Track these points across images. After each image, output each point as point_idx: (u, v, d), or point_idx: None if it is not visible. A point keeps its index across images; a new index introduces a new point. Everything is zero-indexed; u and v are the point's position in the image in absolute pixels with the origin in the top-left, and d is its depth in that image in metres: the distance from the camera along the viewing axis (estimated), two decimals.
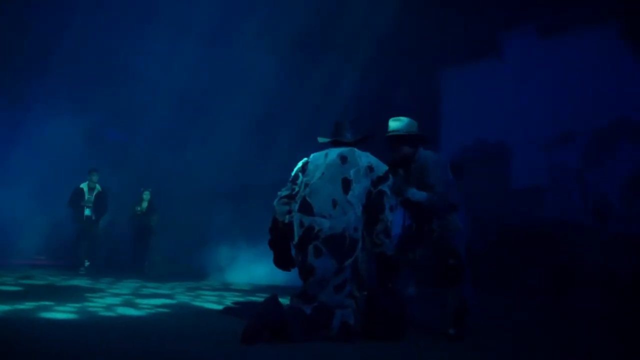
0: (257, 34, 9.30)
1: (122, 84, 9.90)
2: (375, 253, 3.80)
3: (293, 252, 3.90)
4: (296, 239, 3.75)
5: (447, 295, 4.04)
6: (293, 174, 4.08)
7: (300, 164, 4.10)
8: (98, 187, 9.89)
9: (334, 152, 3.99)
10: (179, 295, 6.21)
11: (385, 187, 3.86)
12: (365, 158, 3.94)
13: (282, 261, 4.05)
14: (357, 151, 3.99)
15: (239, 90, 9.43)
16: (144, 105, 9.96)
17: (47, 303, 4.48)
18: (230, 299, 6.05)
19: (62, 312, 4.06)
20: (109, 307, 4.61)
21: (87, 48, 9.82)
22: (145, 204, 10.66)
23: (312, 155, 4.09)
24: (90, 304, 4.71)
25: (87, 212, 9.76)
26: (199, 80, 9.54)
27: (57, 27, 9.67)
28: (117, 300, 5.14)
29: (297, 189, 3.96)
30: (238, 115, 9.33)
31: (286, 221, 3.85)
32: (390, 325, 3.65)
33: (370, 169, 3.88)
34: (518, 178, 8.23)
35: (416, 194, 3.97)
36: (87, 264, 9.53)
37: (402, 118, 4.25)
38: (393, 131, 4.19)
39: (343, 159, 3.91)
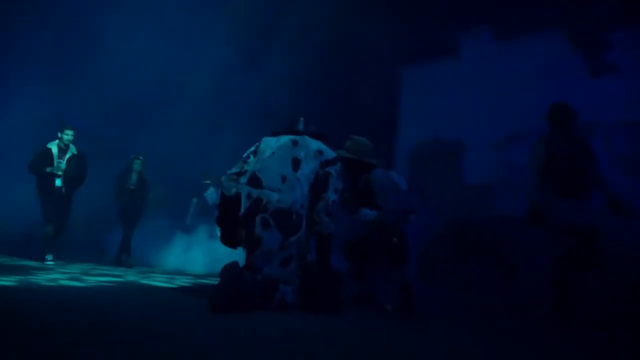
0: (209, 23, 9.17)
1: (78, 71, 9.46)
2: (314, 230, 3.93)
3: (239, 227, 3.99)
4: (243, 210, 3.85)
5: (391, 275, 4.24)
6: (245, 154, 4.20)
7: (253, 147, 4.22)
8: (72, 148, 7.45)
9: (286, 137, 4.16)
10: (129, 276, 6.19)
11: (332, 170, 4.07)
12: (315, 143, 4.14)
13: (228, 238, 4.14)
14: (308, 138, 4.16)
15: (189, 81, 9.24)
16: (91, 93, 9.43)
17: None
18: (181, 281, 6.07)
19: (2, 279, 4.04)
20: (53, 280, 4.60)
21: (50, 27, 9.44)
22: (135, 177, 8.40)
23: (264, 138, 4.22)
24: (34, 277, 4.68)
25: (57, 182, 7.26)
26: (148, 72, 9.19)
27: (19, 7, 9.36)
28: (63, 276, 5.11)
29: (246, 167, 4.08)
30: (187, 106, 9.15)
31: (232, 194, 3.95)
32: (328, 298, 3.77)
33: (320, 152, 4.09)
34: (470, 175, 8.51)
35: (367, 215, 4.17)
36: (49, 258, 7.12)
37: (356, 138, 4.44)
38: (342, 150, 4.37)
39: (294, 142, 4.09)
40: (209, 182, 8.78)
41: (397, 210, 4.14)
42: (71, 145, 7.45)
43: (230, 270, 3.47)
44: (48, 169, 7.22)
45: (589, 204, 4.38)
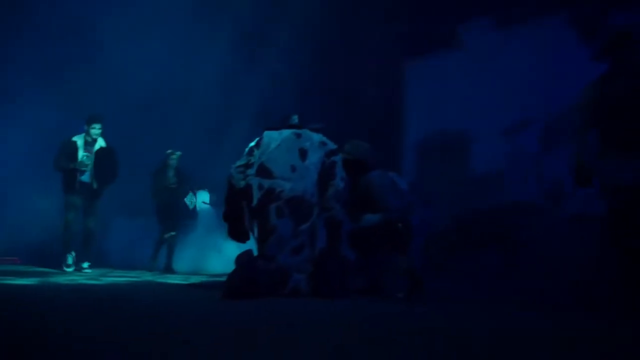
0: (209, 25, 9.11)
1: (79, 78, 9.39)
2: (325, 217, 4.00)
3: (247, 219, 4.05)
4: (255, 201, 3.90)
5: (398, 263, 4.27)
6: (247, 149, 4.27)
7: (254, 141, 4.29)
8: (101, 141, 6.73)
9: (288, 131, 4.24)
10: (145, 277, 6.30)
11: (337, 159, 4.17)
12: (316, 135, 4.25)
13: (236, 232, 4.20)
14: (308, 131, 4.25)
15: (189, 84, 9.15)
16: (92, 98, 9.16)
17: (10, 277, 4.56)
18: (195, 279, 6.17)
19: (24, 280, 4.16)
20: (71, 280, 4.72)
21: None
22: (172, 173, 7.77)
23: (265, 132, 4.28)
24: (53, 278, 4.81)
25: (83, 177, 6.50)
26: (148, 76, 9.05)
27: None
28: (80, 278, 5.24)
29: (252, 159, 4.15)
30: (187, 109, 9.08)
31: (242, 186, 4.01)
32: (334, 284, 3.80)
33: (323, 143, 4.20)
34: (478, 164, 8.52)
35: (370, 220, 4.20)
36: (86, 265, 6.52)
37: (355, 141, 4.55)
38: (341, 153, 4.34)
39: (297, 135, 4.18)
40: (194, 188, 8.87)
41: (398, 209, 4.21)
42: (100, 138, 6.73)
43: (244, 258, 3.56)
44: (72, 165, 6.44)
45: None
